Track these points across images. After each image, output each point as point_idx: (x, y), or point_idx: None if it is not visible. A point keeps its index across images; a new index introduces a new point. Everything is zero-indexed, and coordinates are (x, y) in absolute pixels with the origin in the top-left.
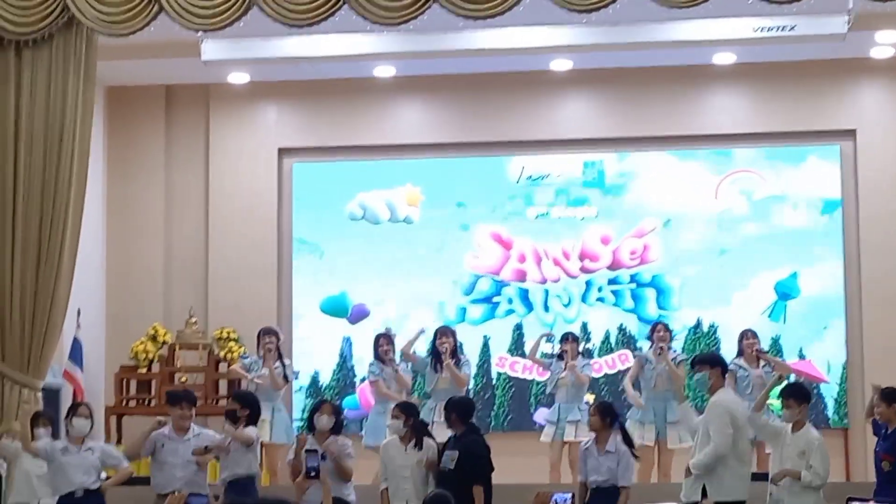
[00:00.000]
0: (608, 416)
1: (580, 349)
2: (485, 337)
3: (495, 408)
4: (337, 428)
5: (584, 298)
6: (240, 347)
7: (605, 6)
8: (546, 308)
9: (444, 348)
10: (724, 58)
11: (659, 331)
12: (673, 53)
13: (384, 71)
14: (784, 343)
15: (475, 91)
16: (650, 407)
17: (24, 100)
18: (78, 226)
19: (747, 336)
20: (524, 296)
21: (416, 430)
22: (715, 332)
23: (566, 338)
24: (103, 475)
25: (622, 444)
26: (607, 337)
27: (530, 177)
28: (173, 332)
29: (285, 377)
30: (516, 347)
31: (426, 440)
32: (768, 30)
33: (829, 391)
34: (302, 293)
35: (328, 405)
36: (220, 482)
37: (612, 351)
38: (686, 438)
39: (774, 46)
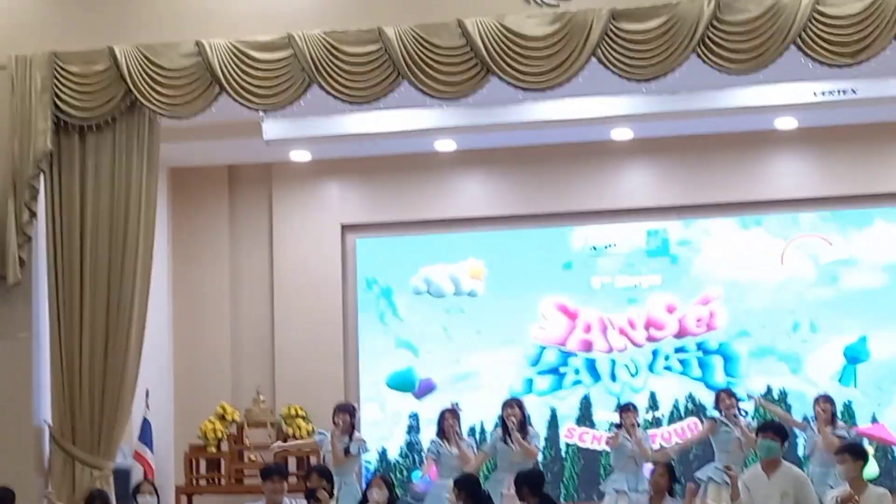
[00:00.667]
0: (672, 478)
1: (639, 419)
2: (552, 409)
3: (565, 479)
4: (392, 501)
5: (651, 367)
6: (308, 424)
7: (664, 75)
8: (613, 378)
9: (512, 421)
10: (785, 122)
11: (723, 399)
12: (734, 120)
13: (445, 145)
14: (857, 407)
15: (536, 163)
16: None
17: (89, 183)
18: (144, 307)
19: (819, 402)
20: (591, 366)
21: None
22: (785, 398)
23: (627, 408)
24: None
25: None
26: (676, 405)
27: (594, 247)
28: (241, 411)
29: (347, 451)
30: (584, 418)
31: None
32: (829, 94)
33: None
34: (368, 369)
35: (378, 479)
36: None
37: (681, 419)
38: None
39: (836, 110)
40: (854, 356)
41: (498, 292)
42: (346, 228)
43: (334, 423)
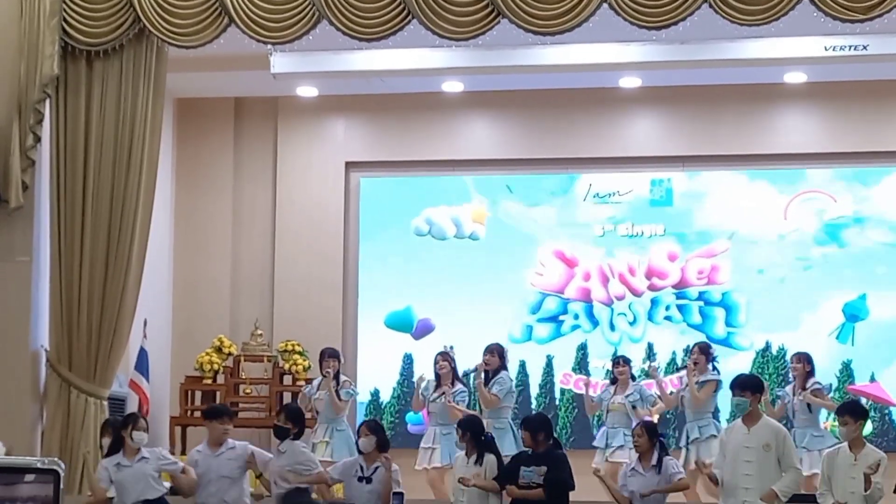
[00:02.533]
0: (654, 436)
1: (632, 372)
2: (548, 356)
3: (558, 427)
4: (382, 446)
5: (650, 317)
6: (304, 360)
7: (675, 23)
8: (612, 327)
9: (486, 366)
10: (795, 77)
11: (694, 353)
12: (743, 72)
13: (452, 86)
14: (855, 366)
15: (543, 107)
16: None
17: (95, 110)
18: (146, 236)
19: (793, 360)
20: (590, 312)
21: (476, 445)
22: (784, 355)
23: (617, 361)
24: (167, 485)
25: (663, 455)
26: (673, 357)
27: (597, 194)
28: (238, 344)
29: (339, 396)
30: (580, 366)
31: (487, 455)
32: (840, 49)
33: None
34: (367, 307)
35: (365, 426)
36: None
37: (678, 370)
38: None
39: (846, 65)
40: (853, 314)
41: (499, 236)
42: (349, 166)
43: (325, 370)
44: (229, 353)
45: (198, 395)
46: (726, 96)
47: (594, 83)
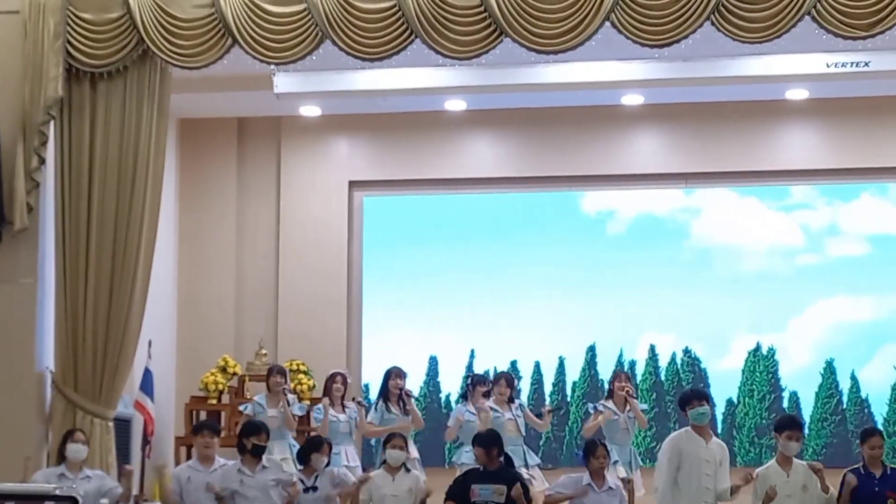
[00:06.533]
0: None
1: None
2: (560, 357)
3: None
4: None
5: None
6: (309, 379)
7: (678, 41)
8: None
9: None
10: (797, 93)
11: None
12: (745, 89)
13: (455, 105)
14: (837, 364)
15: (546, 125)
16: None
17: (99, 131)
18: (150, 256)
19: (619, 378)
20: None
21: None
22: (773, 354)
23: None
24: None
25: (618, 480)
26: (673, 359)
27: (600, 211)
28: (243, 364)
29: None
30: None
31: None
32: (842, 65)
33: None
34: (372, 325)
35: (326, 445)
36: None
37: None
38: None
39: (848, 82)
40: None
41: (503, 255)
42: (353, 185)
43: (273, 388)
44: (234, 374)
45: (203, 415)
46: (729, 113)
47: (596, 101)
